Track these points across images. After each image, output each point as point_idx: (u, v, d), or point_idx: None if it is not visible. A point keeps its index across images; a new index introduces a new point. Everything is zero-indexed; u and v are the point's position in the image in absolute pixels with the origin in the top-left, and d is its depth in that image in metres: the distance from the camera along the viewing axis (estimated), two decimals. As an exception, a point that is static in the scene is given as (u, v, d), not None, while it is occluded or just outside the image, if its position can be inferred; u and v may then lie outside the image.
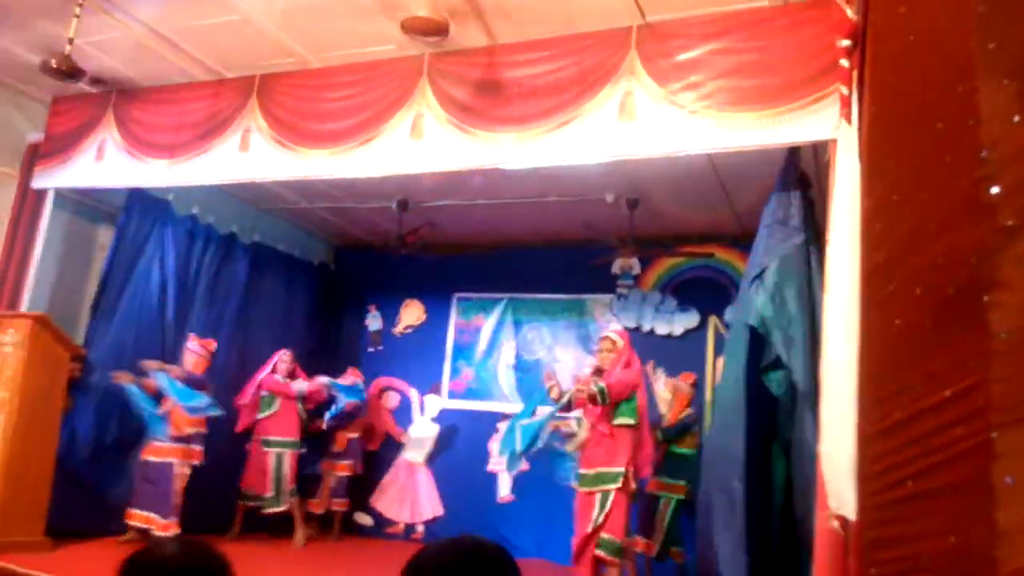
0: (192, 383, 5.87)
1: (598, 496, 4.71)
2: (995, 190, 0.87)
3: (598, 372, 4.98)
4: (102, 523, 5.65)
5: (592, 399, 4.77)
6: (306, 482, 6.94)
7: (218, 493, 6.43)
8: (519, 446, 5.47)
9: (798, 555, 4.16)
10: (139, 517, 5.58)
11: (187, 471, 5.75)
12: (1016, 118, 0.88)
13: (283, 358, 6.79)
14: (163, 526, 5.49)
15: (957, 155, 0.90)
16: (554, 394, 5.09)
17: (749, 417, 4.15)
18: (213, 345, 6.29)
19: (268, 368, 6.74)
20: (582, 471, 4.88)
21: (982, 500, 0.84)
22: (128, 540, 5.46)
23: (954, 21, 0.93)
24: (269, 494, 6.42)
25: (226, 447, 6.51)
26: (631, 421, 4.83)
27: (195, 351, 6.12)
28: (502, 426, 7.33)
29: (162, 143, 5.29)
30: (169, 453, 5.71)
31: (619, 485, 4.68)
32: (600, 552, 4.63)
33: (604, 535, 4.64)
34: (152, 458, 5.69)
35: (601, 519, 4.65)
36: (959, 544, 0.85)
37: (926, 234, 0.92)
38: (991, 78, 0.90)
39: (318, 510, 7.07)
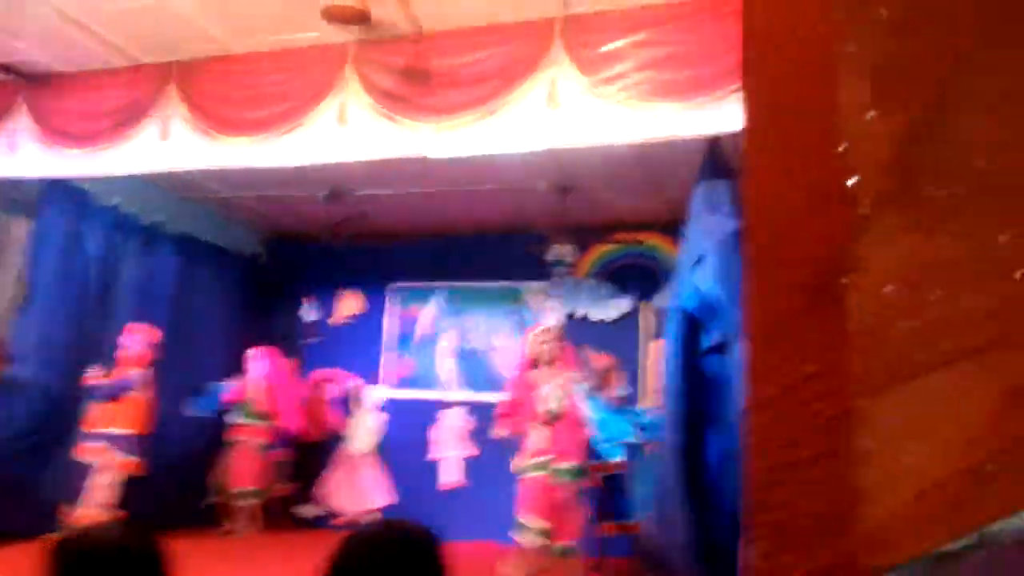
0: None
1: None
2: (851, 181, 0.94)
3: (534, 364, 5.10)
4: (34, 523, 5.45)
5: None
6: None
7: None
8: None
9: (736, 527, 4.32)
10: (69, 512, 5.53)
11: (111, 470, 5.64)
12: (870, 114, 0.95)
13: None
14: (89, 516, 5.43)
15: (819, 150, 0.97)
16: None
17: (684, 400, 4.24)
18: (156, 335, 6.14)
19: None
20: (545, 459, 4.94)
21: (844, 465, 0.92)
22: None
23: (817, 24, 1.00)
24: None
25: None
26: None
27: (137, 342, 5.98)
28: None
29: (78, 132, 5.11)
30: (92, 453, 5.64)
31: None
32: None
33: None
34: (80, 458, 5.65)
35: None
36: (823, 506, 0.93)
37: (793, 225, 0.99)
38: (849, 77, 0.97)
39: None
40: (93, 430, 5.71)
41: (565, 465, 4.90)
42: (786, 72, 1.07)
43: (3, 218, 6.13)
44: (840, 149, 0.93)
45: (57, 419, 5.81)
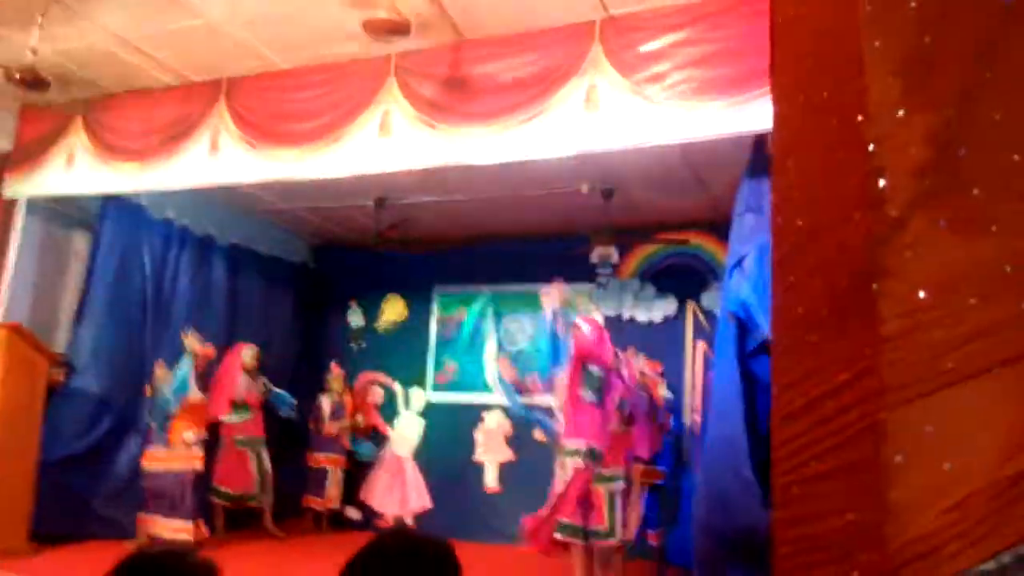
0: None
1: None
2: (882, 183, 0.91)
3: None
4: (86, 527, 5.67)
5: None
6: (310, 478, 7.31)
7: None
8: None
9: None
10: (154, 523, 5.64)
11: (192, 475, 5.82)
12: (900, 112, 0.92)
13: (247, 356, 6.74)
14: (183, 529, 5.57)
15: (848, 150, 0.94)
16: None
17: (745, 405, 4.12)
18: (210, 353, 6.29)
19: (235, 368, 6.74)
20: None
21: (875, 478, 0.89)
22: (139, 543, 5.46)
23: (844, 20, 0.97)
24: (254, 490, 6.59)
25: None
26: (591, 397, 4.89)
27: (201, 353, 6.11)
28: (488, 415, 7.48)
29: (132, 148, 5.29)
30: (173, 460, 5.77)
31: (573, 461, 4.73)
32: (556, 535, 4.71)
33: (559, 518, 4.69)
34: (157, 467, 5.74)
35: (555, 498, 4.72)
36: (855, 521, 0.90)
37: (822, 227, 0.96)
38: (878, 74, 0.94)
39: (329, 505, 7.31)
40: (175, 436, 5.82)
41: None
42: (813, 70, 1.04)
43: (64, 233, 6.34)
44: (870, 149, 0.90)
45: (114, 428, 6.00)
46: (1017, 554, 0.76)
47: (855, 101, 0.95)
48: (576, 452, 4.74)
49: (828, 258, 0.96)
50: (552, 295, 5.20)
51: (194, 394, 5.91)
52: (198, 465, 5.84)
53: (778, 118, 1.06)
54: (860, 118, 0.94)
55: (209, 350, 6.20)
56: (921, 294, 0.88)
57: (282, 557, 6.00)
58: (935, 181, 0.91)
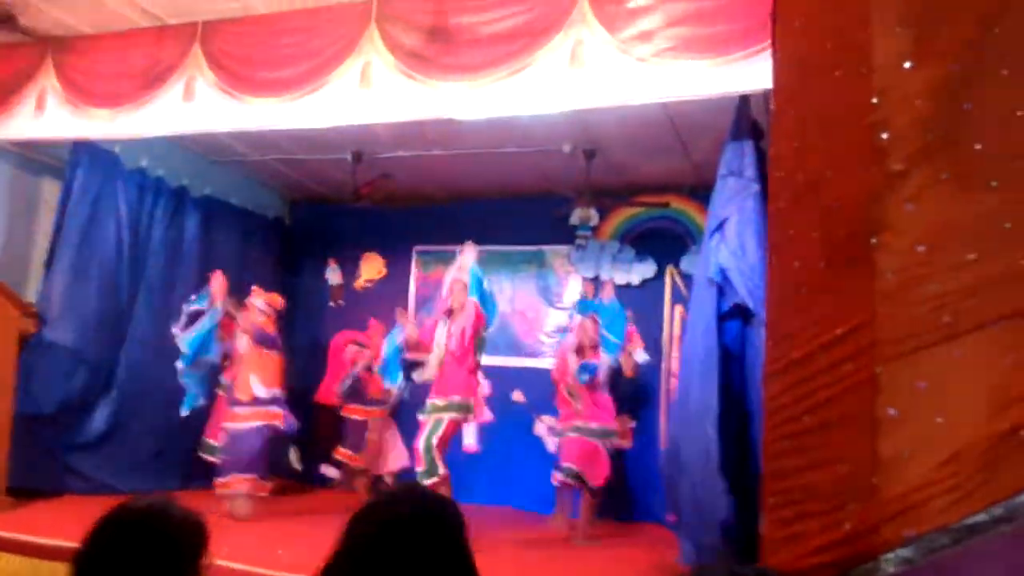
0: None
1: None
2: (884, 135, 0.90)
3: (449, 312, 5.46)
4: (60, 482, 5.62)
5: None
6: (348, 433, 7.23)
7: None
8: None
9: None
10: (232, 482, 5.57)
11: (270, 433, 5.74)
12: (907, 64, 0.90)
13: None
14: (260, 487, 5.58)
15: (851, 102, 0.92)
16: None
17: (721, 368, 4.14)
18: (280, 302, 6.17)
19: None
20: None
21: (866, 431, 0.89)
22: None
23: (853, -32, 0.94)
24: None
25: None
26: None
27: (262, 309, 5.98)
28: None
29: (104, 93, 5.11)
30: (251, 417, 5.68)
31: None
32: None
33: None
34: (233, 425, 5.67)
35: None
36: (847, 473, 0.90)
37: (821, 180, 0.95)
38: (885, 25, 0.92)
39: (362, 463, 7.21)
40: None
41: (596, 426, 5.66)
42: (817, 19, 1.02)
43: (33, 179, 6.17)
44: (873, 101, 0.89)
45: (88, 381, 5.92)
46: (1009, 507, 0.76)
47: (860, 52, 0.93)
48: (452, 406, 5.35)
49: (827, 212, 0.95)
50: (468, 253, 5.57)
51: (249, 350, 5.80)
52: (277, 423, 5.71)
53: (779, 70, 1.04)
54: (864, 70, 0.92)
55: (276, 300, 6.13)
56: (920, 248, 0.88)
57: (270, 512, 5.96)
58: (938, 135, 0.90)
